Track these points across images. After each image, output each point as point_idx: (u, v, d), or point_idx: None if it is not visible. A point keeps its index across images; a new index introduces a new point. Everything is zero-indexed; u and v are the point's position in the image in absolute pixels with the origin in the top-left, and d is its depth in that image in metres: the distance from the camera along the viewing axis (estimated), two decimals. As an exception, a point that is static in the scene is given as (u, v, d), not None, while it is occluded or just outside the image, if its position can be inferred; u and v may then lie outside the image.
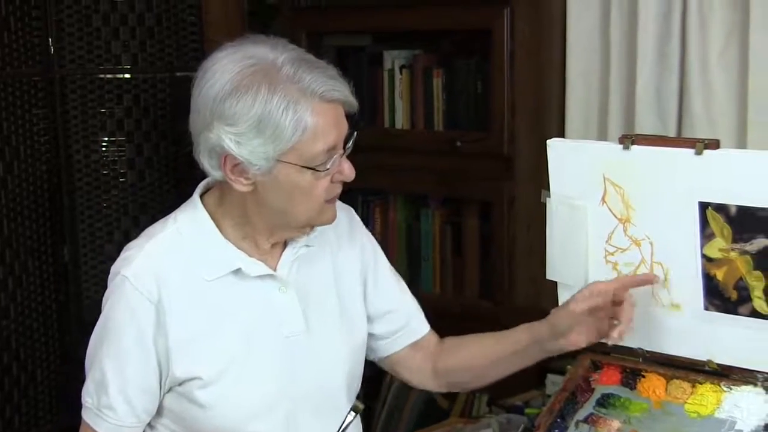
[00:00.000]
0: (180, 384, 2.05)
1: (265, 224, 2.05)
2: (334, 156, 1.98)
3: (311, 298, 2.14)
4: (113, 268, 2.06)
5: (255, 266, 2.07)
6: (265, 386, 2.07)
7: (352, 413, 2.00)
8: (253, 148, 1.94)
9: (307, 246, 2.16)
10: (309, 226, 2.08)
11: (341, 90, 1.97)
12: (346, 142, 2.02)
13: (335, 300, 2.19)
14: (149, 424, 2.12)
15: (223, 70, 1.94)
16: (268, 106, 1.92)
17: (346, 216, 2.27)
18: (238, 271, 2.06)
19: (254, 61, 1.94)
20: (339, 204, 2.21)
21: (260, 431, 2.07)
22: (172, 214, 2.12)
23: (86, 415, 2.08)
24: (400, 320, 2.30)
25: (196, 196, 2.11)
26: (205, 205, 2.09)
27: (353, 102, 2.01)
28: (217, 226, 2.07)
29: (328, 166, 1.97)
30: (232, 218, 2.07)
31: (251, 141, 1.93)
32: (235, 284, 2.06)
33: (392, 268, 2.35)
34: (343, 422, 1.99)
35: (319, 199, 2.00)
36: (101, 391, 2.05)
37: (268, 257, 2.11)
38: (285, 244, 2.13)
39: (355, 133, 2.06)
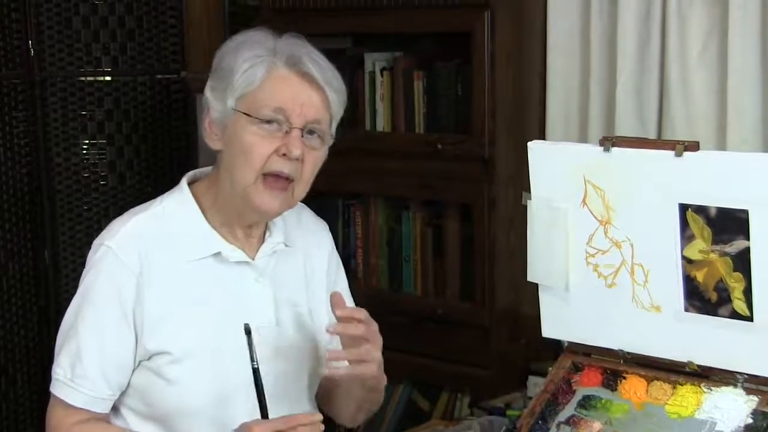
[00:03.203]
0: (149, 358, 2.08)
1: (230, 200, 2.10)
2: (283, 123, 2.04)
3: (284, 294, 2.19)
4: (96, 242, 2.14)
5: (234, 252, 2.13)
6: (231, 371, 2.09)
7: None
8: (214, 87, 2.09)
9: (286, 245, 2.21)
10: (253, 210, 2.09)
11: (315, 69, 2.06)
12: (311, 127, 2.07)
13: (305, 301, 2.25)
14: (114, 407, 2.14)
15: None
16: (236, 53, 2.07)
17: (325, 231, 2.36)
18: (218, 255, 2.12)
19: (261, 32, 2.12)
20: (317, 220, 2.34)
21: (222, 416, 2.08)
22: (159, 197, 2.20)
23: (56, 389, 2.10)
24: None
25: (183, 181, 2.19)
26: (192, 192, 2.15)
27: (332, 94, 2.08)
28: (202, 211, 2.13)
29: (269, 119, 2.03)
30: (215, 202, 2.13)
31: (215, 83, 2.09)
32: (213, 268, 2.12)
33: (348, 289, 2.39)
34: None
35: (257, 163, 2.04)
36: (76, 361, 2.07)
37: (247, 247, 2.16)
38: (263, 239, 2.18)
39: (332, 138, 2.14)
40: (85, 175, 3.49)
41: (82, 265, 3.47)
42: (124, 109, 3.50)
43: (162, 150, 3.58)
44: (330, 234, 2.38)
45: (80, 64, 3.46)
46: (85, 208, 3.50)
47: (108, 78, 3.48)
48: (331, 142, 2.16)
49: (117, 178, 3.51)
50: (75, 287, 3.48)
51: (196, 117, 3.66)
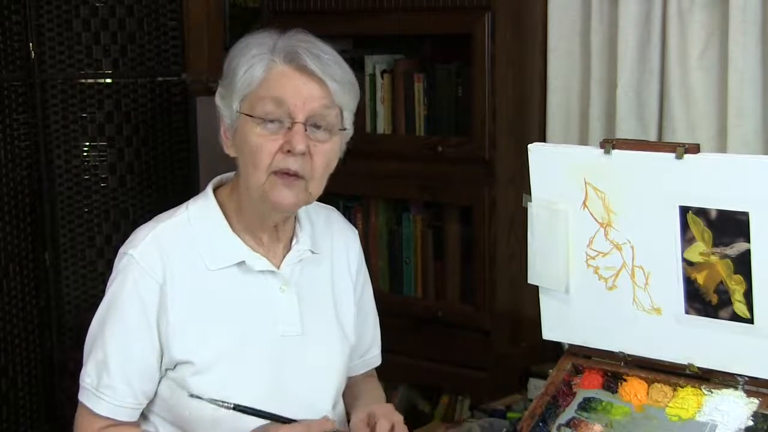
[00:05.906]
0: (174, 367, 2.07)
1: (251, 205, 2.09)
2: (285, 119, 2.02)
3: (310, 302, 2.17)
4: (121, 250, 2.11)
5: (259, 261, 2.11)
6: (256, 382, 2.08)
7: None
8: (222, 94, 2.08)
9: (312, 252, 2.20)
10: (271, 208, 2.08)
11: (313, 62, 2.03)
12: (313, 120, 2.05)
13: (332, 308, 2.23)
14: (143, 414, 2.14)
15: None
16: (239, 56, 2.06)
17: (354, 238, 2.34)
18: (241, 264, 2.10)
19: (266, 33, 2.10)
20: (346, 225, 2.33)
21: (243, 426, 2.07)
22: (185, 203, 2.17)
23: (84, 397, 2.10)
24: (363, 347, 2.35)
25: (209, 188, 2.17)
26: (217, 198, 2.14)
27: (334, 85, 2.05)
28: (227, 218, 2.12)
29: (272, 118, 2.02)
30: (238, 207, 2.12)
31: (223, 89, 2.08)
32: (237, 277, 2.10)
33: (373, 299, 2.40)
34: None
35: (265, 162, 2.02)
36: (102, 370, 2.07)
37: (272, 255, 2.14)
38: (290, 246, 2.17)
39: (347, 130, 2.12)
40: (86, 177, 3.50)
41: (83, 266, 3.51)
42: (124, 111, 3.51)
43: (162, 152, 3.58)
44: (359, 241, 2.35)
45: (81, 66, 3.47)
46: (86, 210, 3.51)
47: (108, 80, 3.49)
48: (348, 134, 2.13)
49: (117, 180, 3.52)
50: (75, 289, 3.52)
51: (196, 119, 3.67)
